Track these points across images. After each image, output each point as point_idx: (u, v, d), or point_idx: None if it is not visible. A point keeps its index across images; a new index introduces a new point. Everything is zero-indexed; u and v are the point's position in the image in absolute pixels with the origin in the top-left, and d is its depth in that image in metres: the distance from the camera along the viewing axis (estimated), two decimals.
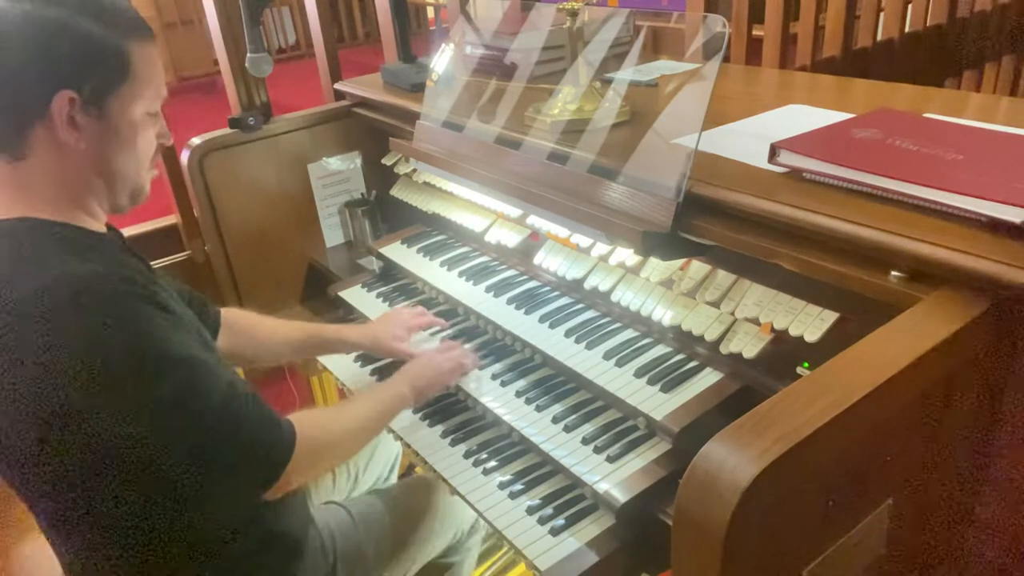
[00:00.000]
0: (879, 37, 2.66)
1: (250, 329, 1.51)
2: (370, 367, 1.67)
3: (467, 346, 1.58)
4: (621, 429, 1.30)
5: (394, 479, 1.84)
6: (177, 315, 1.03)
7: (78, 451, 0.98)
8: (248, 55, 1.80)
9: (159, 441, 0.99)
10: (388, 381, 1.44)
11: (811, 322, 1.14)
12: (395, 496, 1.53)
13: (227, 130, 1.95)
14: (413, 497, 1.53)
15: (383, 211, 2.13)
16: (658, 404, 1.25)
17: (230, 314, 1.48)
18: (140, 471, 1.00)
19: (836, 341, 1.07)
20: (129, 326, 0.95)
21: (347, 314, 1.89)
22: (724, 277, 1.27)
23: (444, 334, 1.65)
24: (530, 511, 1.24)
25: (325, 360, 1.73)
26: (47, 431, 0.96)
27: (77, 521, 1.06)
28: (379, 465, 1.75)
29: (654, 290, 1.40)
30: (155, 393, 0.97)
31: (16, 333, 0.93)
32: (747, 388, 1.26)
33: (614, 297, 1.45)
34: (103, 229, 1.09)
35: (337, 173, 2.14)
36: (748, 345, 1.23)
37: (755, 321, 1.22)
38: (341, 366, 1.71)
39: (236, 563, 1.16)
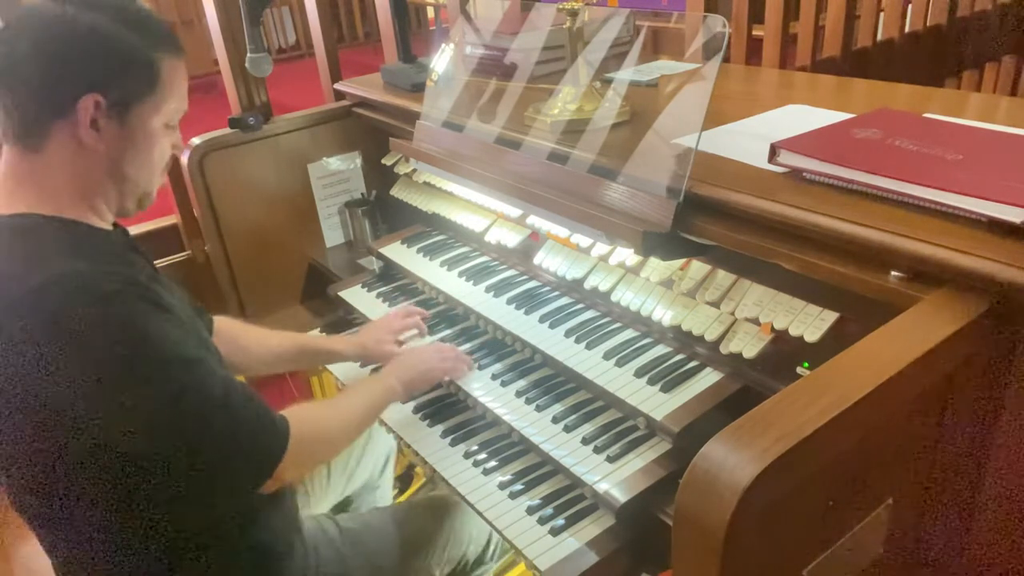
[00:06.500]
0: (879, 37, 2.66)
1: (239, 339, 1.50)
2: (369, 367, 1.67)
3: (467, 346, 1.58)
4: (621, 429, 1.30)
5: (388, 474, 1.83)
6: (175, 315, 1.03)
7: (71, 448, 0.98)
8: (248, 55, 1.80)
9: (155, 439, 0.99)
10: (378, 375, 1.44)
11: (811, 322, 1.14)
12: (396, 518, 1.49)
13: (227, 130, 1.95)
14: (415, 521, 1.49)
15: (383, 211, 2.13)
16: (658, 404, 1.25)
17: (220, 321, 1.48)
18: (134, 468, 1.01)
19: (836, 341, 1.08)
20: (128, 325, 0.96)
21: (347, 314, 1.89)
22: (724, 277, 1.27)
23: (445, 333, 1.65)
24: (530, 511, 1.24)
25: None
26: (41, 427, 0.97)
27: (64, 519, 1.06)
28: (371, 461, 1.75)
29: (654, 290, 1.40)
30: (152, 392, 0.97)
31: (15, 330, 0.93)
32: (747, 388, 1.26)
33: (614, 297, 1.45)
34: (109, 227, 1.10)
35: (337, 173, 2.14)
36: (748, 345, 1.23)
37: (755, 321, 1.22)
38: (341, 366, 1.70)
39: (214, 568, 1.16)
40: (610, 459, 1.23)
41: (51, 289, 0.93)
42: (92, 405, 0.95)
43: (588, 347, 1.41)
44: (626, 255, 1.41)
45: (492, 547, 1.57)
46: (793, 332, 1.14)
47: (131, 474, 1.02)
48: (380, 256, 1.92)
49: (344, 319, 1.90)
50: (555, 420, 1.34)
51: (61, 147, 1.02)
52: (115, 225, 1.13)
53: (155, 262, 1.23)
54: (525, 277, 1.68)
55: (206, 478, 1.05)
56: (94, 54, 1.00)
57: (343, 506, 1.73)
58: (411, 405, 1.53)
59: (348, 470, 1.68)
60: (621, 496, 1.17)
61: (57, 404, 0.95)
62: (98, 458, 0.99)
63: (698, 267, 1.31)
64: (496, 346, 1.57)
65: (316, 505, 1.60)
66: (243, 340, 1.51)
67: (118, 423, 0.96)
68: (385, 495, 1.85)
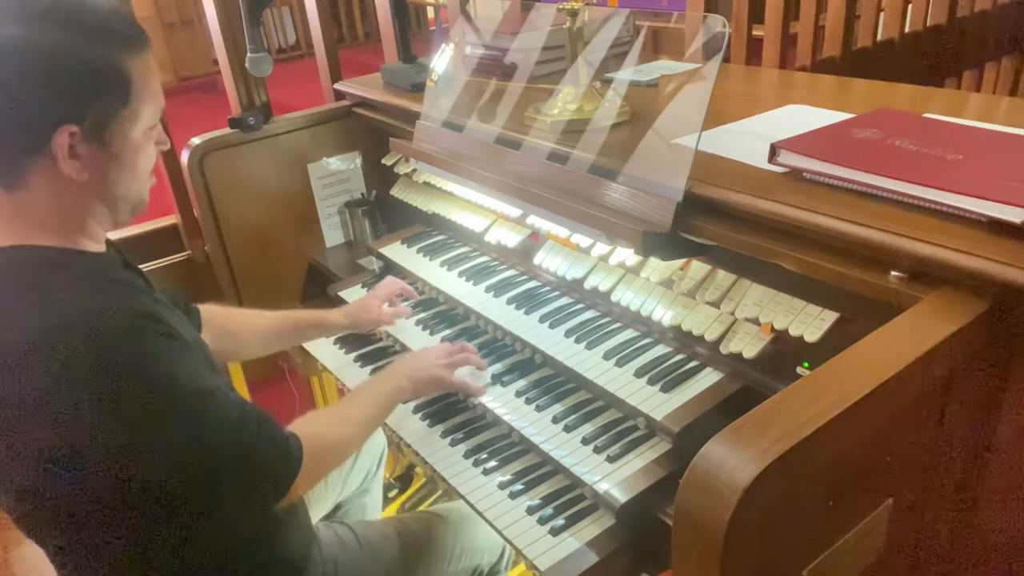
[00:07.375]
0: (879, 37, 2.66)
1: (228, 326, 1.49)
2: (370, 367, 1.67)
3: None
4: (621, 429, 1.30)
5: (379, 477, 1.83)
6: (185, 341, 1.01)
7: (94, 484, 0.96)
8: (248, 55, 1.80)
9: (175, 470, 0.98)
10: (386, 373, 1.44)
11: (811, 322, 1.14)
12: (410, 527, 1.48)
13: (227, 130, 1.95)
14: (429, 531, 1.48)
15: (383, 211, 2.13)
16: (658, 404, 1.25)
17: (207, 311, 1.46)
18: (155, 499, 1.00)
19: (836, 341, 1.07)
20: (149, 362, 0.94)
21: None
22: (724, 277, 1.27)
23: (445, 333, 1.65)
24: (530, 511, 1.24)
25: (325, 360, 1.73)
26: (63, 465, 0.95)
27: (85, 549, 1.04)
28: (366, 464, 1.74)
29: (654, 290, 1.40)
30: (174, 427, 0.96)
31: (28, 370, 0.90)
32: (747, 388, 1.26)
33: (614, 297, 1.45)
34: (103, 248, 1.07)
35: (337, 173, 2.14)
36: (748, 345, 1.23)
37: (755, 321, 1.22)
38: (341, 365, 1.71)
39: None
40: (610, 459, 1.23)
41: (63, 331, 0.90)
42: (116, 442, 0.93)
43: (588, 347, 1.41)
44: (626, 255, 1.41)
45: (506, 556, 1.56)
46: (793, 332, 1.14)
47: (153, 504, 1.00)
48: (380, 256, 1.92)
49: None
50: (555, 420, 1.34)
51: (43, 181, 0.96)
52: (107, 242, 1.09)
53: (155, 262, 1.22)
54: (525, 277, 1.68)
55: (225, 503, 1.05)
56: (60, 82, 0.92)
57: (334, 511, 1.72)
58: (411, 405, 1.52)
59: (343, 474, 1.68)
60: (621, 496, 1.17)
61: (79, 442, 0.93)
62: (121, 491, 0.98)
63: (698, 267, 1.31)
64: (496, 346, 1.57)
65: (313, 511, 1.59)
66: (232, 327, 1.50)
67: (140, 458, 0.95)
68: (375, 499, 1.84)
